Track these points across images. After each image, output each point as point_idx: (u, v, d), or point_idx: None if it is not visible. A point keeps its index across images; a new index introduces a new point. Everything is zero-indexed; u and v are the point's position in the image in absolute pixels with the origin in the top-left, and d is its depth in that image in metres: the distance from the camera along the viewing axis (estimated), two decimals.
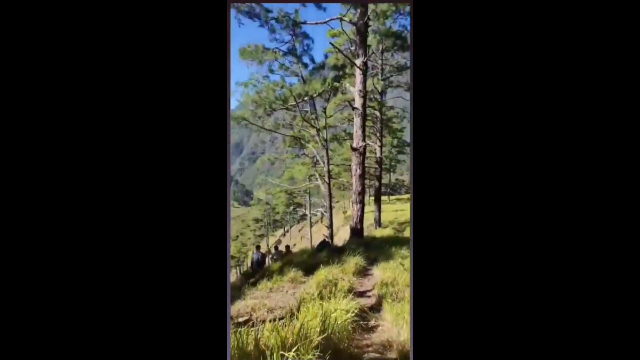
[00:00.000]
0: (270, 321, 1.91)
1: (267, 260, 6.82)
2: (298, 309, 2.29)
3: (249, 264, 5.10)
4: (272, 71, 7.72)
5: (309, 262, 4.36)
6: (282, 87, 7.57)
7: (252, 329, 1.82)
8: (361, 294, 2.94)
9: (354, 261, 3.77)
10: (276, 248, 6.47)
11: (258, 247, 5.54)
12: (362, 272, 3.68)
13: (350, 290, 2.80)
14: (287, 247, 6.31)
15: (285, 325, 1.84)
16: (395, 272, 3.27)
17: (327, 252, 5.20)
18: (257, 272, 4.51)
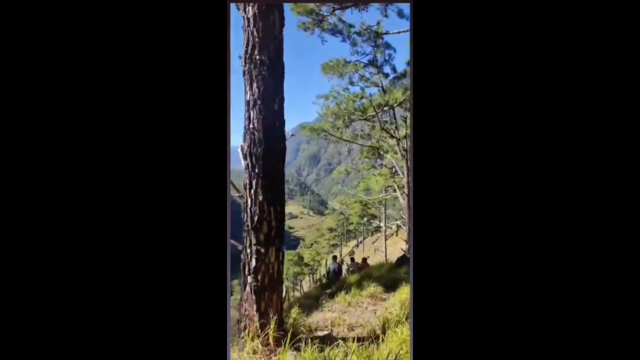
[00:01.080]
0: (353, 340, 1.82)
1: (344, 271, 6.77)
2: (383, 331, 2.14)
3: (324, 273, 5.13)
4: (352, 83, 7.81)
5: (387, 277, 4.12)
6: (361, 97, 7.56)
7: (337, 349, 1.75)
8: None
9: None
10: (352, 259, 6.35)
11: (335, 257, 5.52)
12: None
13: None
14: (364, 259, 6.13)
15: (374, 350, 1.71)
16: None
17: (408, 269, 4.83)
18: (334, 282, 4.48)
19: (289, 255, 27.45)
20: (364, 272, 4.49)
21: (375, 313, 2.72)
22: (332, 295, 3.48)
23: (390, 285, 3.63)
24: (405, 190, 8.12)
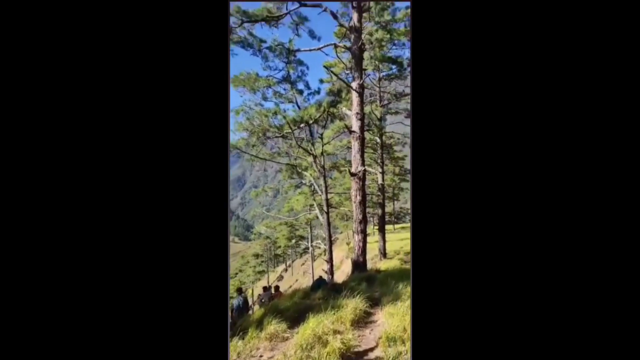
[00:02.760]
0: None
1: (252, 305, 5.98)
2: None
3: (230, 312, 4.26)
4: (265, 98, 7.48)
5: (300, 305, 3.64)
6: (275, 113, 7.26)
7: None
8: (360, 355, 2.22)
9: (353, 305, 3.02)
10: (265, 288, 5.60)
11: (239, 290, 4.71)
12: (363, 320, 2.92)
13: (343, 356, 2.04)
14: (277, 287, 5.48)
15: None
16: (405, 320, 2.58)
17: (323, 292, 4.44)
18: (238, 321, 3.78)
19: None
20: (273, 304, 3.90)
21: None
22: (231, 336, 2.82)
23: (299, 317, 3.14)
24: (325, 207, 7.95)
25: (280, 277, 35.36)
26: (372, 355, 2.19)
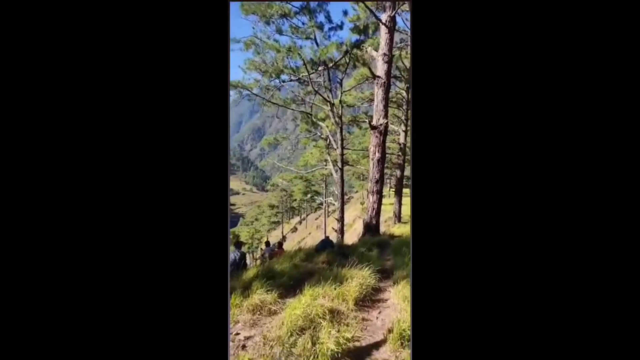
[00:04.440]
0: None
1: (251, 260, 5.68)
2: None
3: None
4: (280, 32, 6.42)
5: (300, 269, 3.17)
6: (289, 49, 6.25)
7: None
8: (361, 354, 1.64)
9: (359, 280, 2.46)
10: (267, 244, 5.23)
11: (238, 244, 4.20)
12: (370, 298, 2.41)
13: (342, 348, 1.54)
14: (279, 243, 5.10)
15: None
16: None
17: (329, 255, 3.98)
18: (234, 277, 3.40)
19: None
20: (269, 264, 3.46)
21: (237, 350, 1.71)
22: None
23: (297, 282, 2.68)
24: (339, 163, 7.27)
25: (295, 229, 36.39)
26: (377, 355, 1.67)
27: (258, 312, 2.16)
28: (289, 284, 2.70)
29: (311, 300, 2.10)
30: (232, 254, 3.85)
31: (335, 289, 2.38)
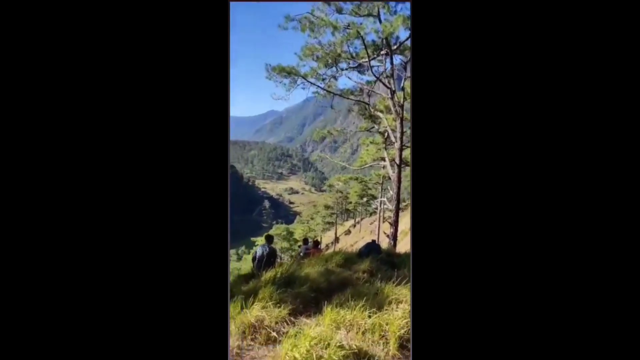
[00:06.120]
0: None
1: (279, 258, 5.15)
2: None
3: (253, 259, 3.37)
4: (340, 11, 5.84)
5: (330, 277, 2.47)
6: (348, 25, 5.62)
7: None
8: None
9: (407, 307, 1.69)
10: (305, 241, 4.66)
11: (269, 238, 3.67)
12: None
13: None
14: (316, 242, 4.47)
15: None
16: None
17: (372, 262, 3.22)
18: (256, 275, 2.89)
19: (278, 229, 26.50)
20: (300, 264, 2.85)
21: None
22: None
23: (317, 299, 1.95)
24: (397, 160, 6.37)
25: (348, 232, 35.73)
26: None
27: (250, 336, 1.54)
28: (310, 296, 2.03)
29: (330, 329, 1.41)
30: (261, 248, 3.36)
31: (370, 315, 1.63)
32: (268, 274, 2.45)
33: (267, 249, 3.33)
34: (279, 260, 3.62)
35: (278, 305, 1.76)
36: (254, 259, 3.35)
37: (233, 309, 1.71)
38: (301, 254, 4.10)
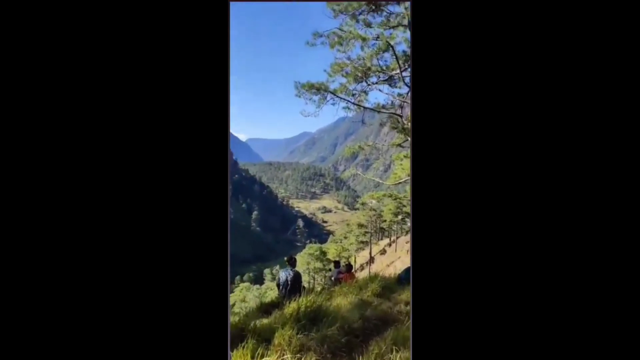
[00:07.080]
0: None
1: (313, 279, 4.79)
2: None
3: (278, 283, 3.08)
4: (369, 25, 5.74)
5: (369, 309, 2.10)
6: (377, 37, 5.46)
7: None
8: None
9: None
10: (337, 264, 4.22)
11: (292, 260, 3.33)
12: None
13: None
14: (348, 265, 4.03)
15: None
16: None
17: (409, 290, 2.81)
18: (282, 302, 2.61)
19: (311, 249, 26.07)
20: (333, 292, 2.52)
21: None
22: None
23: (349, 346, 1.52)
24: None
25: (383, 251, 34.25)
26: None
27: None
28: (340, 342, 1.65)
29: None
30: (284, 273, 3.10)
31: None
32: (291, 307, 2.15)
33: (291, 274, 3.06)
34: (307, 284, 3.33)
35: (298, 354, 1.43)
36: (278, 284, 3.10)
37: (242, 357, 1.42)
38: (332, 278, 3.77)
